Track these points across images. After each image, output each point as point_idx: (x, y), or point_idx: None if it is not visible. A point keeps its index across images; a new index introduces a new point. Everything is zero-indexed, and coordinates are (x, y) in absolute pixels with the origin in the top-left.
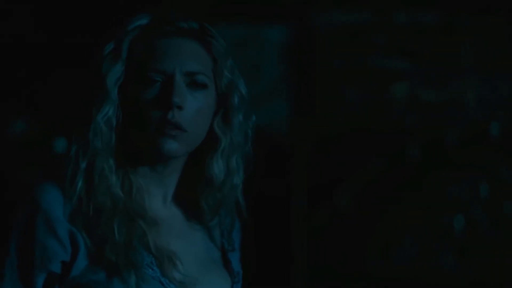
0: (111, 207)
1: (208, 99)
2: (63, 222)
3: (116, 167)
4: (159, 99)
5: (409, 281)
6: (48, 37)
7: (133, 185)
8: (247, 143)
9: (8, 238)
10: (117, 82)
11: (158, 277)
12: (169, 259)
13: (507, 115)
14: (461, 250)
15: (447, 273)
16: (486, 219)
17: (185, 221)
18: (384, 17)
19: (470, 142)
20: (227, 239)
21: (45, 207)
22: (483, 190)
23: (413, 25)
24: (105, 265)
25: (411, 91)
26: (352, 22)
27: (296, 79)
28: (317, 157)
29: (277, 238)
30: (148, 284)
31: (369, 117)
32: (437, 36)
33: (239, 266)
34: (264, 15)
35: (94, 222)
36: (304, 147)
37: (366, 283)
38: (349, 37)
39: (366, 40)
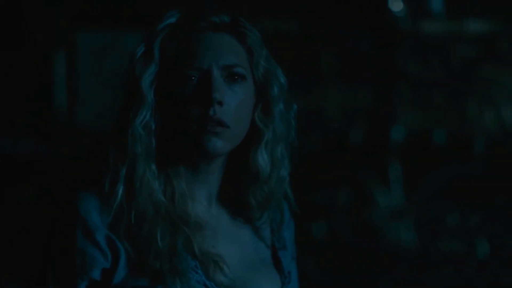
0: (153, 214)
1: (247, 92)
2: (101, 229)
3: (158, 172)
4: (198, 97)
5: None
6: None
7: (175, 190)
8: (291, 132)
9: (48, 248)
10: (152, 84)
11: (203, 280)
12: (215, 263)
13: (368, 122)
14: (322, 256)
15: (309, 279)
16: (346, 225)
17: (231, 221)
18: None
19: (330, 149)
20: (277, 237)
21: (83, 215)
22: (343, 196)
23: (274, 33)
24: (148, 273)
25: None
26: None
27: None
28: None
29: None
30: None
31: None
32: (298, 44)
33: (291, 265)
34: (126, 23)
35: (136, 230)
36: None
37: None
38: None
39: None
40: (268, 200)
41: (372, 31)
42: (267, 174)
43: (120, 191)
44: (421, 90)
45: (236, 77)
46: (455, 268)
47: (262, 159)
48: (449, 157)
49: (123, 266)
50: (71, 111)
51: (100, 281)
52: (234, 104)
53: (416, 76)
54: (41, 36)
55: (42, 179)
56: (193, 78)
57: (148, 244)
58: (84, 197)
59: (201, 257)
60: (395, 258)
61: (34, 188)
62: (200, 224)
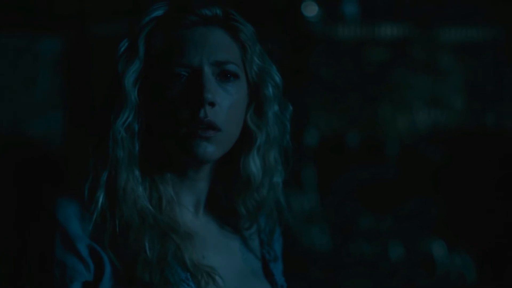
0: (139, 222)
1: (240, 92)
2: (83, 238)
3: (142, 177)
4: (187, 97)
5: None
6: None
7: (162, 196)
8: (285, 136)
9: (23, 259)
10: (136, 82)
11: None
12: (208, 274)
13: (295, 128)
14: None
15: None
16: None
17: (220, 230)
18: None
19: None
20: (267, 248)
21: (62, 223)
22: None
23: None
24: (137, 285)
25: None
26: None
27: (71, 90)
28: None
29: None
30: None
31: None
32: None
33: (283, 279)
34: (38, 26)
35: (121, 239)
36: (79, 158)
37: None
38: None
39: None
40: (259, 209)
41: (285, 35)
42: (259, 180)
43: (101, 198)
44: (334, 94)
45: (228, 75)
46: (368, 271)
47: (254, 164)
48: (362, 160)
49: (108, 278)
50: None
51: None
52: (226, 105)
53: (330, 80)
54: None
55: None
56: (181, 76)
57: (135, 254)
58: (63, 203)
59: (193, 268)
60: (308, 261)
61: None
62: (189, 233)
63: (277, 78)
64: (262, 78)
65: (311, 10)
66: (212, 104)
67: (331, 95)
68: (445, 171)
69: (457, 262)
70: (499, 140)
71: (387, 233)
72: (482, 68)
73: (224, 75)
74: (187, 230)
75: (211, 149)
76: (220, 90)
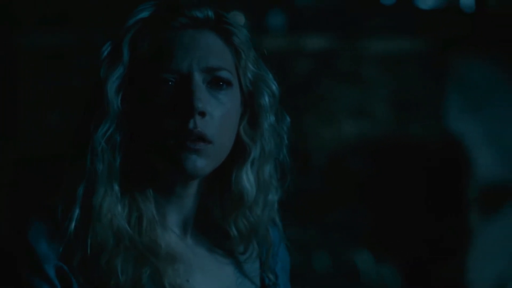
0: (114, 243)
1: (233, 101)
2: (51, 258)
3: (121, 193)
4: (175, 106)
5: None
6: None
7: (143, 215)
8: (282, 150)
9: None
10: (119, 90)
11: None
12: None
13: None
14: None
15: None
16: None
17: (211, 253)
18: (85, 40)
19: None
20: (268, 272)
21: (32, 243)
22: None
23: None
24: None
25: None
26: (56, 44)
27: None
28: (17, 180)
29: None
30: None
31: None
32: None
33: None
34: None
35: (92, 261)
36: (4, 170)
37: None
38: (52, 59)
39: (69, 62)
40: (253, 230)
41: None
42: (252, 198)
43: (75, 216)
44: None
45: (220, 83)
46: (293, 281)
47: (247, 180)
48: (288, 171)
49: None
50: None
51: None
52: (218, 115)
53: None
54: None
55: None
56: (169, 83)
57: (107, 278)
58: (32, 222)
59: None
60: None
61: None
62: (172, 256)
63: (274, 87)
64: (257, 86)
65: (239, 21)
66: (202, 114)
67: None
68: (371, 182)
69: (382, 273)
70: (424, 150)
71: (313, 244)
72: (407, 79)
73: (216, 83)
74: (171, 252)
75: (201, 163)
76: (211, 98)
